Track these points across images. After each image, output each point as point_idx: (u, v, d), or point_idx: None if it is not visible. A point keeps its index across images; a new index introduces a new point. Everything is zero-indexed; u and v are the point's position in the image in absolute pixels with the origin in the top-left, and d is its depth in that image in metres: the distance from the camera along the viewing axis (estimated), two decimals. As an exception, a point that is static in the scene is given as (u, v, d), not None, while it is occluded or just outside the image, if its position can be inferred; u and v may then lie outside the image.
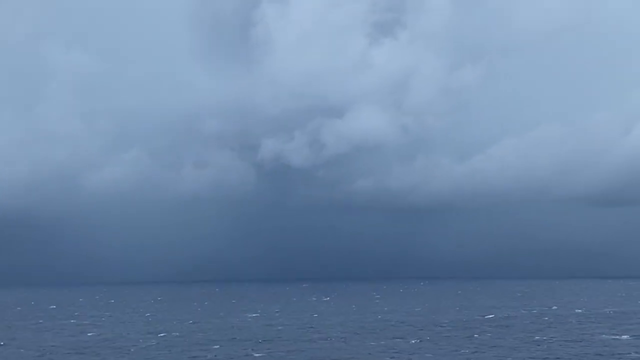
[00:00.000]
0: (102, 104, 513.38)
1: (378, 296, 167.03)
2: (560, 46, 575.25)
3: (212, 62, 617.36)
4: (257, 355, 52.90)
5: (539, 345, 56.44)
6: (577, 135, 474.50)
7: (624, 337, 62.16)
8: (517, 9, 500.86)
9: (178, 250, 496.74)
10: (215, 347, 58.34)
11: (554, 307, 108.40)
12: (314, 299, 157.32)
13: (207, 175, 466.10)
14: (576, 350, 53.34)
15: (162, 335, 69.34)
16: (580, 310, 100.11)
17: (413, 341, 60.62)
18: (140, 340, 63.99)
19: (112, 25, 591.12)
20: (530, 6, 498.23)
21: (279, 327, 75.95)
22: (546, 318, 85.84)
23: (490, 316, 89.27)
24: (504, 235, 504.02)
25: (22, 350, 58.56)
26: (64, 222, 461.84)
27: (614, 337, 62.60)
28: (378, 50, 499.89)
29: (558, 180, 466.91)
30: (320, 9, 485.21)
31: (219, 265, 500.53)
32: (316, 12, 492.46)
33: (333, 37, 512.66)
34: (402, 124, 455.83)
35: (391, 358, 50.39)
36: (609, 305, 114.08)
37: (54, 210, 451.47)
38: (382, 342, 60.03)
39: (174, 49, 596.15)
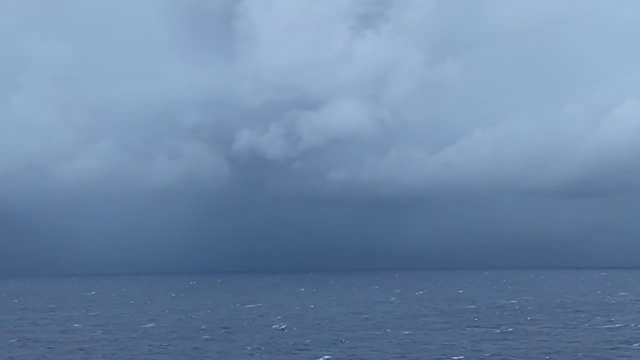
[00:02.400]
0: (77, 95, 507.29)
1: (360, 286, 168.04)
2: (533, 40, 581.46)
3: (190, 54, 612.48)
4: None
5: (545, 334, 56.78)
6: (546, 128, 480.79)
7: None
8: (497, 4, 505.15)
9: (149, 242, 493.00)
10: (206, 337, 57.72)
11: (530, 298, 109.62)
12: (302, 289, 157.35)
13: (179, 167, 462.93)
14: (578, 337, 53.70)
15: (150, 325, 68.53)
16: (559, 300, 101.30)
17: (407, 332, 60.56)
18: (135, 330, 63.12)
19: (89, 15, 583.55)
20: (509, 1, 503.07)
21: (277, 317, 75.62)
22: (530, 308, 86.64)
23: (472, 306, 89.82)
24: (473, 228, 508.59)
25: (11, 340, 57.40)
26: (34, 213, 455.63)
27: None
28: (360, 43, 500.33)
29: (527, 173, 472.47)
30: (304, 1, 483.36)
31: (189, 258, 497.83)
32: (300, 4, 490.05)
33: (316, 29, 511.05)
34: (378, 116, 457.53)
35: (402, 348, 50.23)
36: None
37: (24, 201, 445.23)
38: (388, 331, 60.07)
39: (151, 41, 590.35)
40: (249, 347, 50.43)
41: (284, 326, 65.49)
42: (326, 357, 45.42)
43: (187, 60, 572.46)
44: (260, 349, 49.76)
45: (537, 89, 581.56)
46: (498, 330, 59.53)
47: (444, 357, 44.92)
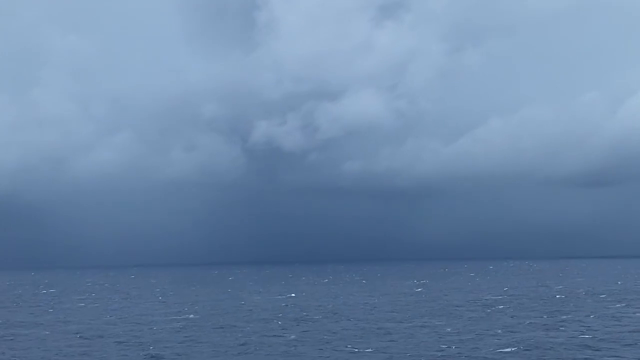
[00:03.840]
0: (96, 88, 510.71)
1: (379, 275, 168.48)
2: (552, 29, 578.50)
3: (210, 46, 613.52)
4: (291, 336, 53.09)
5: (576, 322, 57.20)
6: (563, 116, 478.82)
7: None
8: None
9: (165, 233, 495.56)
10: (247, 328, 58.50)
11: (559, 287, 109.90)
12: (326, 280, 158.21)
13: (196, 159, 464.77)
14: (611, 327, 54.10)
15: (187, 316, 69.38)
16: (582, 289, 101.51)
17: (438, 322, 61.12)
18: (164, 322, 63.99)
19: (109, 10, 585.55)
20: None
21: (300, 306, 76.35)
22: (558, 296, 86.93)
23: (498, 297, 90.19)
24: (489, 217, 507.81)
25: (47, 332, 58.40)
26: (52, 205, 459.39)
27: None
28: (381, 33, 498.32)
29: (544, 162, 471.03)
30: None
31: (205, 249, 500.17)
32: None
33: (337, 20, 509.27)
34: (396, 107, 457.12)
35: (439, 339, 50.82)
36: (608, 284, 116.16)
37: (42, 194, 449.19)
38: (417, 323, 60.60)
39: (170, 33, 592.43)
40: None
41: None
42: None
43: (207, 53, 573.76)
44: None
45: (555, 77, 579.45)
46: (553, 318, 60.07)
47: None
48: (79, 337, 54.46)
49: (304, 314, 69.60)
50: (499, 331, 52.65)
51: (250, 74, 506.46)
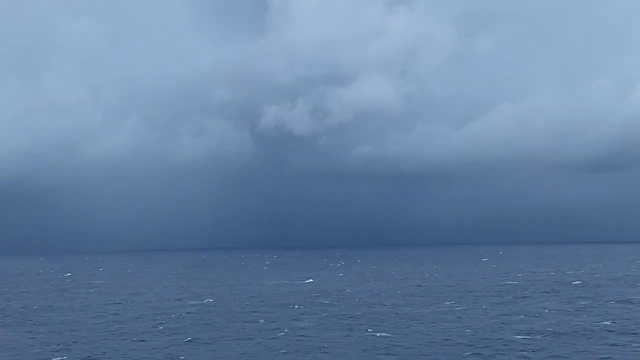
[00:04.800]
0: (107, 74, 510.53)
1: (395, 260, 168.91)
2: (563, 13, 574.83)
3: (221, 31, 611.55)
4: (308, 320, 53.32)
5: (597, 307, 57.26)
6: (573, 101, 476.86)
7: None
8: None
9: (174, 219, 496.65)
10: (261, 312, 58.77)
11: (575, 272, 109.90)
12: (339, 265, 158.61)
13: (205, 143, 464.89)
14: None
15: (208, 300, 69.75)
16: (598, 275, 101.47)
17: (458, 307, 61.28)
18: (180, 307, 64.34)
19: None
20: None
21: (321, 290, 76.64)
22: (575, 282, 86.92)
23: (514, 282, 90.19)
24: (497, 202, 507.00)
25: (81, 313, 58.94)
26: (61, 191, 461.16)
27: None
28: (393, 18, 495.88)
29: (553, 147, 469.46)
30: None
31: (212, 234, 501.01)
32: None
33: (350, 5, 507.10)
34: (406, 92, 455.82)
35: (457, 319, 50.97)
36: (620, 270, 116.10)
37: (52, 179, 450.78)
38: (438, 307, 60.77)
39: (181, 18, 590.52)
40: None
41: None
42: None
43: (217, 37, 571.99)
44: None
45: (565, 62, 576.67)
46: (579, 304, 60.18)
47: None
48: (117, 319, 54.91)
49: (323, 299, 69.88)
50: (522, 316, 52.76)
51: (262, 58, 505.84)
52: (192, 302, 68.59)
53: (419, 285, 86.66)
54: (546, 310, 56.52)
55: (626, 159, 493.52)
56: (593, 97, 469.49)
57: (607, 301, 63.09)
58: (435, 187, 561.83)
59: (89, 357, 39.92)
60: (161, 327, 50.76)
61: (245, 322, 53.02)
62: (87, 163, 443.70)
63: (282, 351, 40.35)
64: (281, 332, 47.14)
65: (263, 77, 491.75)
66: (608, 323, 48.68)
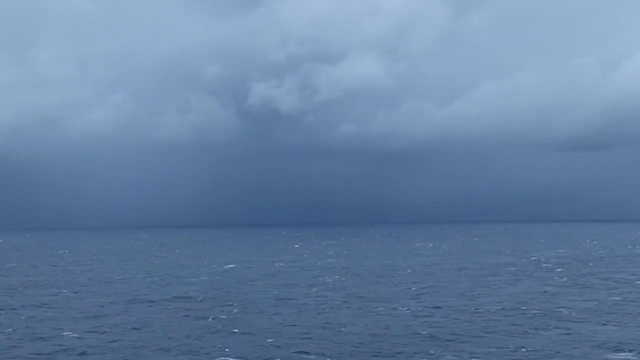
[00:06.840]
0: (94, 48, 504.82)
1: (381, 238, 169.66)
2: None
3: (209, 7, 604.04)
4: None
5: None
6: (557, 80, 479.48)
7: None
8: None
9: (159, 195, 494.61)
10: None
11: (571, 251, 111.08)
12: (335, 242, 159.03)
13: (192, 120, 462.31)
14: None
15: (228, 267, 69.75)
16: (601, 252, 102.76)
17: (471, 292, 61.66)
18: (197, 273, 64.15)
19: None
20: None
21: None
22: (581, 258, 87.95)
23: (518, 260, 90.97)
24: (481, 180, 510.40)
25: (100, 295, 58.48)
26: (46, 166, 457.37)
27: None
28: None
29: (536, 126, 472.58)
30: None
31: (196, 211, 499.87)
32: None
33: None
34: (395, 70, 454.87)
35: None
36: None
37: (37, 154, 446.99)
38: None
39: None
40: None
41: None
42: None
43: (206, 13, 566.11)
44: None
45: (548, 41, 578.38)
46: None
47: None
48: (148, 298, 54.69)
49: (328, 276, 70.14)
50: (540, 295, 53.25)
51: (251, 35, 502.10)
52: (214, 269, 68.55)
53: (423, 262, 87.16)
54: (562, 288, 57.12)
55: (610, 138, 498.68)
56: (576, 75, 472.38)
57: (619, 278, 63.94)
58: (419, 164, 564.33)
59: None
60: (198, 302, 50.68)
61: (276, 295, 52.99)
62: (73, 138, 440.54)
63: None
64: (306, 308, 47.21)
65: (252, 54, 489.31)
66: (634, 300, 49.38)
